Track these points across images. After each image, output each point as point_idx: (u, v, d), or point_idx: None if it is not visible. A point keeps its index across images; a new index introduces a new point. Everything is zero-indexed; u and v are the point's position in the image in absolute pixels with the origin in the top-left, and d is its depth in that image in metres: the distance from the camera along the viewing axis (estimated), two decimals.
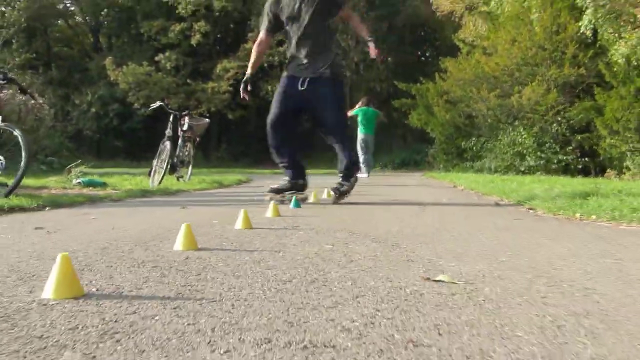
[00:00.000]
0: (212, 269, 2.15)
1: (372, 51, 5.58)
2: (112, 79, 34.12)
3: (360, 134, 15.32)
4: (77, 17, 42.78)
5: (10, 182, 5.19)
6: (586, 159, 16.39)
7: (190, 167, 9.77)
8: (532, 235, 3.26)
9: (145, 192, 6.69)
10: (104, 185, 7.42)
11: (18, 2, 23.25)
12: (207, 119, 10.48)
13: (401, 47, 36.40)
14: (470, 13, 23.43)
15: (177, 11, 34.72)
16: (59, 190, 6.29)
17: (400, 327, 1.40)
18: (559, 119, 16.59)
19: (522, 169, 16.36)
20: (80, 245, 2.75)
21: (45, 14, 37.21)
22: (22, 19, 28.68)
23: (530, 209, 5.12)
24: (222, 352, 1.22)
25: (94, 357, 1.18)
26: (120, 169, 17.03)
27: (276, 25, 5.71)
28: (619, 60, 13.07)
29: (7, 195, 4.98)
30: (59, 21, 41.20)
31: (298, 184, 5.75)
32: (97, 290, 1.79)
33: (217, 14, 34.08)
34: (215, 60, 34.86)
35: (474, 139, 18.90)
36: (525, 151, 16.59)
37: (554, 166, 15.92)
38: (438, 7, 24.59)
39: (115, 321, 1.43)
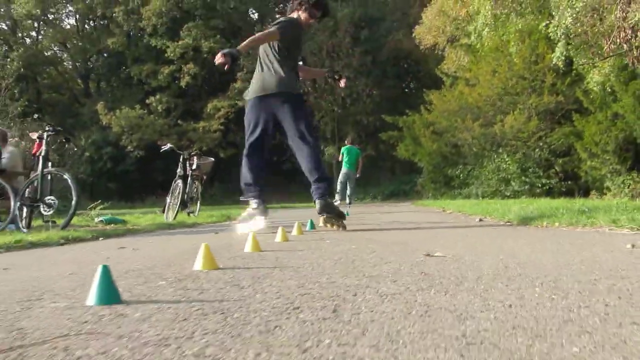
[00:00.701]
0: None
1: (342, 82, 5.86)
2: (104, 123, 34.75)
3: (343, 169, 15.89)
4: (67, 63, 43.53)
5: (60, 221, 5.85)
6: (569, 182, 17.10)
7: (198, 203, 10.34)
8: (504, 237, 4.12)
9: (169, 225, 7.28)
10: (124, 222, 7.96)
11: (15, 53, 24.02)
12: (212, 159, 11.10)
13: (385, 81, 37.34)
14: (452, 45, 24.31)
15: (165, 54, 35.61)
16: (88, 227, 6.80)
17: (415, 271, 2.34)
18: (541, 144, 17.35)
19: (508, 193, 17.04)
20: (164, 253, 3.51)
21: (34, 62, 38.04)
22: (21, 69, 29.51)
23: (508, 222, 5.83)
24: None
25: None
26: (118, 209, 17.51)
27: (288, 37, 5.51)
28: (594, 88, 13.85)
29: (63, 227, 5.66)
30: (49, 68, 41.95)
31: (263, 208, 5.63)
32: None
33: (205, 55, 34.95)
34: (205, 100, 35.65)
35: (460, 167, 19.62)
36: (509, 177, 17.30)
37: (538, 190, 16.60)
38: (421, 41, 25.50)
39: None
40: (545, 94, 17.25)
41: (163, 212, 9.29)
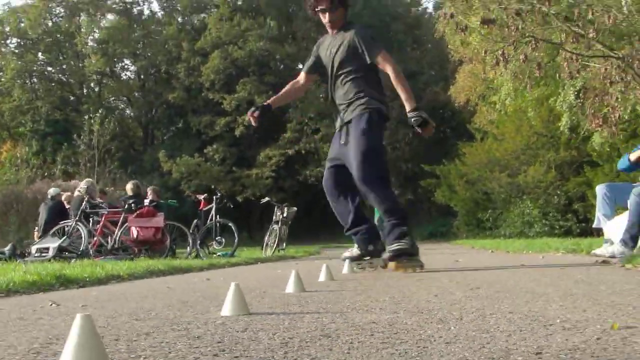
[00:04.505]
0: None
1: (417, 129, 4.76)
2: (164, 169, 38.31)
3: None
4: (130, 112, 47.35)
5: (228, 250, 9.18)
6: (584, 224, 19.84)
7: (284, 243, 13.40)
8: (510, 259, 6.76)
9: (275, 258, 10.34)
10: (235, 256, 11.06)
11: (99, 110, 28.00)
12: (295, 208, 14.08)
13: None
14: (482, 102, 27.32)
15: (222, 106, 39.28)
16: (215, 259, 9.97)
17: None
18: (558, 192, 20.20)
19: (531, 234, 19.83)
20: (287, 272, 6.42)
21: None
22: (117, 128, 33.42)
23: (514, 252, 8.70)
24: None
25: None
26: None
27: (315, 66, 5.21)
28: (597, 147, 16.72)
29: (231, 255, 8.90)
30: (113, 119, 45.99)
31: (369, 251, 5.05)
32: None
33: None
34: (257, 148, 38.98)
35: (490, 211, 22.48)
36: (532, 220, 20.13)
37: (556, 231, 19.37)
38: (455, 98, 28.58)
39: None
40: (561, 149, 20.19)
41: (262, 249, 12.42)
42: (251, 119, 5.14)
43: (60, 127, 39.64)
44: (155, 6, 48.80)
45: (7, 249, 9.91)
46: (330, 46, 5.01)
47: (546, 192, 20.47)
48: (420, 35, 43.24)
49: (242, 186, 37.62)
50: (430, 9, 46.61)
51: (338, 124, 5.07)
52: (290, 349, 1.57)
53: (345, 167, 4.91)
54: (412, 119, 4.68)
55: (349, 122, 4.85)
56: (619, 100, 12.17)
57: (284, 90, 5.45)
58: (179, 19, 45.98)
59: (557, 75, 13.56)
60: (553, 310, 2.07)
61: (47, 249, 8.89)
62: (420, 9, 47.52)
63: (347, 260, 5.03)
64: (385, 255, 4.89)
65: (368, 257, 5.07)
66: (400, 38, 41.75)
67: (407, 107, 4.72)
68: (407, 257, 4.78)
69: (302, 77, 5.35)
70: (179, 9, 45.52)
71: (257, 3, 42.52)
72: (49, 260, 8.29)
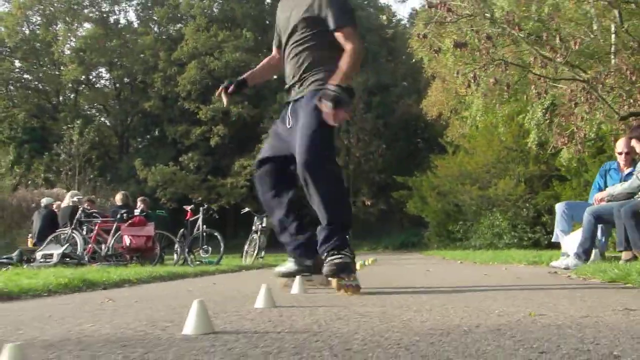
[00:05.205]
0: None
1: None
2: (141, 177, 38.46)
3: None
4: (106, 121, 47.43)
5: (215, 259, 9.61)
6: (552, 235, 20.45)
7: (263, 251, 13.75)
8: (476, 269, 7.27)
9: (254, 266, 10.72)
10: (219, 263, 11.44)
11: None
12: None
13: (396, 142, 41.20)
14: (455, 117, 27.98)
15: (197, 116, 39.55)
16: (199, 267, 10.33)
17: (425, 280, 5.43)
18: (527, 205, 20.85)
19: (500, 245, 20.41)
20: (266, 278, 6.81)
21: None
22: (96, 138, 33.66)
23: (481, 263, 9.22)
24: None
25: None
26: None
27: (279, 36, 4.32)
28: (564, 163, 17.37)
29: (217, 263, 9.29)
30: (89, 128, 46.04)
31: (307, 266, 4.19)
32: None
33: (233, 118, 38.79)
34: (232, 157, 39.31)
35: (460, 222, 23.06)
36: (502, 231, 20.73)
37: (525, 242, 19.99)
38: (427, 112, 29.24)
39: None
40: (531, 163, 20.86)
41: (241, 257, 12.77)
42: (223, 97, 4.25)
43: (37, 135, 39.64)
44: (132, 16, 48.88)
45: (14, 254, 10.41)
46: (290, 6, 4.13)
47: (515, 205, 21.10)
48: (395, 48, 43.95)
49: (217, 195, 37.93)
50: (405, 21, 47.27)
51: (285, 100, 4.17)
52: None
53: (284, 161, 4.01)
54: (328, 91, 3.58)
55: (298, 100, 3.95)
56: (585, 119, 12.80)
57: (260, 65, 4.57)
58: (156, 29, 46.27)
59: (525, 97, 14.18)
60: (495, 306, 2.76)
61: (51, 255, 9.26)
62: (394, 20, 48.24)
63: (296, 278, 3.96)
64: (325, 269, 3.76)
65: (307, 274, 4.15)
66: (375, 49, 42.40)
67: (332, 80, 3.65)
68: (348, 274, 3.70)
69: (274, 51, 4.44)
70: (156, 18, 45.83)
71: (233, 14, 42.98)
72: (54, 265, 8.68)
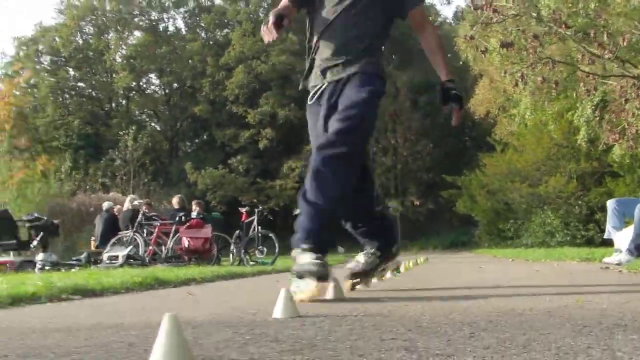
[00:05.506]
0: None
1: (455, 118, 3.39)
2: (191, 180, 39.24)
3: None
4: (156, 126, 48.50)
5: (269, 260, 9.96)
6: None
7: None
8: (528, 266, 7.43)
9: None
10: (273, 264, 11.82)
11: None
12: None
13: (444, 140, 41.03)
14: (503, 114, 27.82)
15: (246, 120, 40.21)
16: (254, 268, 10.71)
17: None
18: (580, 202, 20.68)
19: (553, 244, 20.28)
20: None
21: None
22: (149, 143, 34.77)
23: (533, 260, 9.31)
24: None
25: None
26: None
27: None
28: (616, 159, 17.21)
29: (271, 263, 9.65)
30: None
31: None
32: None
33: (280, 121, 39.31)
34: (280, 160, 39.82)
35: (511, 221, 22.98)
36: (554, 230, 20.61)
37: (578, 240, 19.84)
38: (474, 111, 29.13)
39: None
40: (582, 160, 20.69)
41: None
42: (274, 31, 3.11)
43: (91, 141, 41.07)
44: (180, 23, 49.92)
45: (82, 256, 11.05)
46: None
47: (567, 203, 20.94)
48: (441, 45, 43.55)
49: (266, 197, 38.39)
50: (449, 20, 47.14)
51: (319, 81, 3.34)
52: None
53: None
54: (452, 92, 3.32)
55: (351, 76, 3.22)
56: (637, 115, 12.74)
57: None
58: (203, 35, 47.15)
59: (574, 93, 14.15)
60: (546, 295, 3.09)
61: (117, 256, 9.77)
62: (439, 20, 48.01)
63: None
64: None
65: (383, 264, 3.74)
66: (420, 48, 42.03)
67: (445, 77, 3.37)
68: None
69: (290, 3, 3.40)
70: (203, 25, 46.74)
71: None
72: (120, 266, 9.17)
